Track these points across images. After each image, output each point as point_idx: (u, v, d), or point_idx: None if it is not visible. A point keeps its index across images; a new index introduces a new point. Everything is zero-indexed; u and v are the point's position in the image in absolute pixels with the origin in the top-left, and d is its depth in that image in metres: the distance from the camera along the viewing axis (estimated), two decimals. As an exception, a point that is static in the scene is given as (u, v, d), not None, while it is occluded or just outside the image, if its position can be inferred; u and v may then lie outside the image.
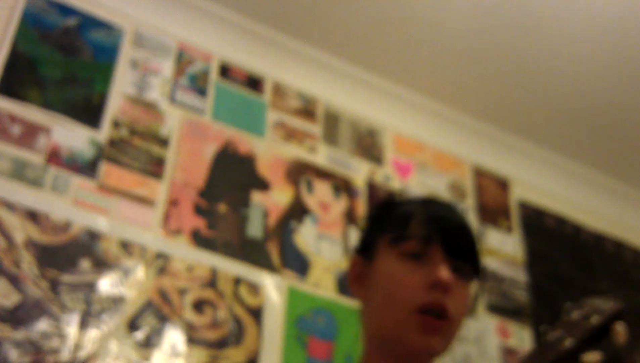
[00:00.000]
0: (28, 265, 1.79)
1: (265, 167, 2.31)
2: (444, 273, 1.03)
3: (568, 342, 0.80)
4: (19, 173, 1.90)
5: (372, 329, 1.10)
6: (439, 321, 1.02)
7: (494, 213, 2.71)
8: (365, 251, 1.14)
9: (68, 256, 1.86)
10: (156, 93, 2.23)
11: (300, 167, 2.37)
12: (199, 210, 2.12)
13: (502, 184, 2.82)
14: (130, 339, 1.83)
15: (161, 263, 1.98)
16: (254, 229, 2.18)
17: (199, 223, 2.10)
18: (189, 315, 1.94)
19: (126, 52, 2.24)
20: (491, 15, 2.44)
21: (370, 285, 1.10)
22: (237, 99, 2.38)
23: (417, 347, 1.02)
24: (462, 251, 1.08)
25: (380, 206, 1.20)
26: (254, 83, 2.44)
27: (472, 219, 2.63)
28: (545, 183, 2.93)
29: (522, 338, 2.49)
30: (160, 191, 2.09)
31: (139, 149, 2.11)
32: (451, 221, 1.10)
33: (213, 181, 2.19)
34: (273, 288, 2.10)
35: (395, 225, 1.10)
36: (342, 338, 2.12)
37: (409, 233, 1.07)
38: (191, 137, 2.23)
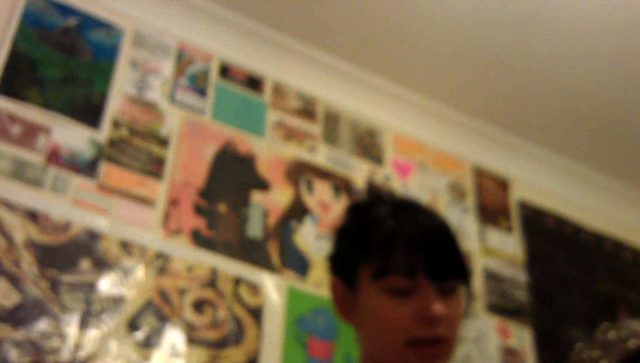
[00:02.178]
0: (28, 265, 1.79)
1: (265, 167, 2.30)
2: (436, 307, 0.99)
3: None
4: (19, 173, 1.90)
5: (369, 354, 1.07)
6: (436, 346, 1.00)
7: (494, 213, 2.71)
8: (345, 277, 1.09)
9: (68, 256, 1.86)
10: (156, 93, 2.23)
11: (300, 167, 2.37)
12: (199, 210, 2.12)
13: (502, 184, 2.82)
14: (130, 339, 1.83)
15: (161, 263, 1.98)
16: (254, 229, 2.18)
17: (199, 223, 2.10)
18: (189, 315, 1.94)
19: (126, 52, 2.24)
20: (491, 15, 2.43)
21: (357, 314, 1.07)
22: (237, 99, 2.38)
23: None
24: (449, 272, 1.03)
25: (355, 224, 1.12)
26: (254, 83, 2.44)
27: (472, 219, 2.63)
28: (545, 183, 2.93)
29: (522, 338, 2.49)
30: (160, 191, 2.09)
31: (139, 149, 2.11)
32: (434, 242, 1.04)
33: (213, 181, 2.19)
34: (273, 288, 2.10)
35: (375, 256, 1.03)
36: (342, 338, 2.12)
37: (391, 267, 1.01)
38: (191, 137, 2.23)
